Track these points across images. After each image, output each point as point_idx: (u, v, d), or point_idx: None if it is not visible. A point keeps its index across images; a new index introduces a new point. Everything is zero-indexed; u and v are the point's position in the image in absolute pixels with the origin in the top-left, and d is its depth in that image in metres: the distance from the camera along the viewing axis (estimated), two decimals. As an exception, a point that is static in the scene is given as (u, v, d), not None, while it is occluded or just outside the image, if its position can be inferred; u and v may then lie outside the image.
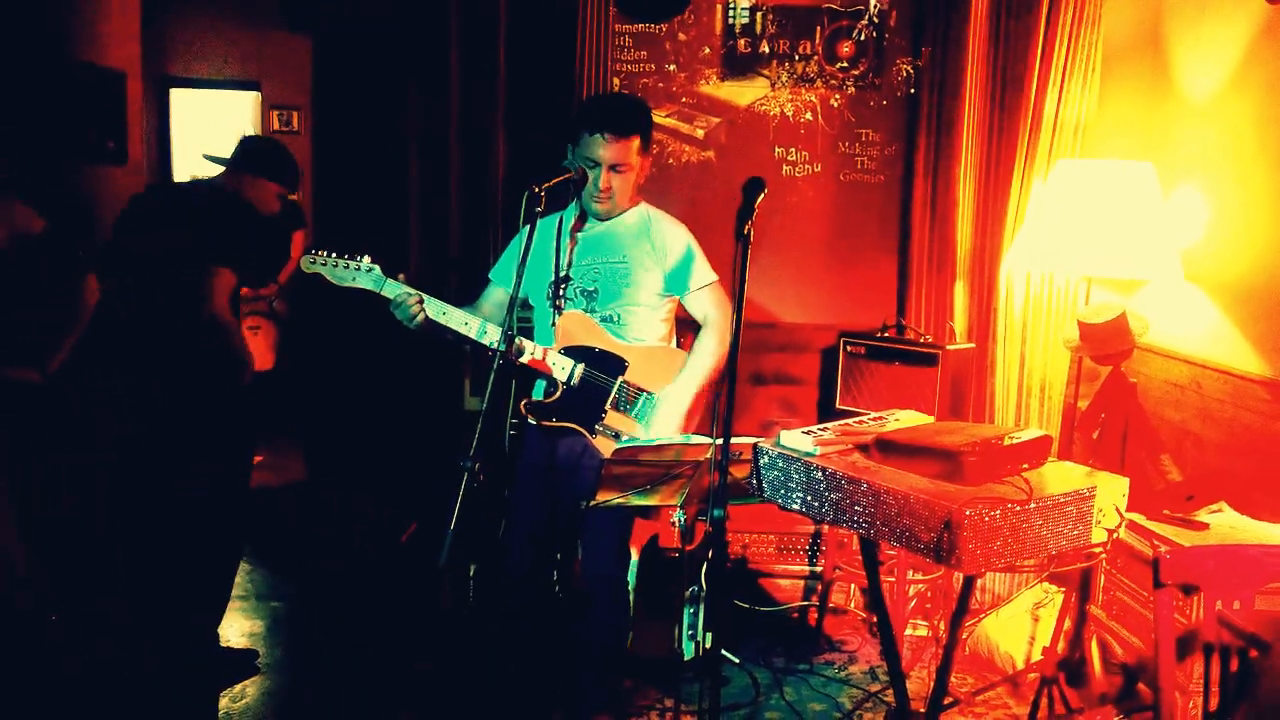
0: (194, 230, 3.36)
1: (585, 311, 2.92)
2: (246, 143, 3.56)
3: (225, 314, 3.46)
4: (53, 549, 3.64)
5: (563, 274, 2.92)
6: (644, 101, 3.21)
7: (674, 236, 2.96)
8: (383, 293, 2.82)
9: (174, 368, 3.37)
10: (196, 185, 3.61)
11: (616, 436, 2.87)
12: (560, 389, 2.90)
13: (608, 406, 2.89)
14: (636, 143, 2.85)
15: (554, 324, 2.90)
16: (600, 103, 2.87)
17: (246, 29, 8.24)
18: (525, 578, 3.11)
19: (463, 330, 2.85)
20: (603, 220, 2.95)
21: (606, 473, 2.52)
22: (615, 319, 2.93)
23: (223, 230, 3.39)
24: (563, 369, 2.88)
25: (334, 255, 2.83)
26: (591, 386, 2.88)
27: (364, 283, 2.83)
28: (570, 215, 2.96)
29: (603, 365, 2.89)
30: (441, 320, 2.83)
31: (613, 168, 2.83)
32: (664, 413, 2.86)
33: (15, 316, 3.53)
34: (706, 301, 2.95)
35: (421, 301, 2.81)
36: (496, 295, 3.04)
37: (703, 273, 2.96)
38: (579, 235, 2.95)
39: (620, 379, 2.89)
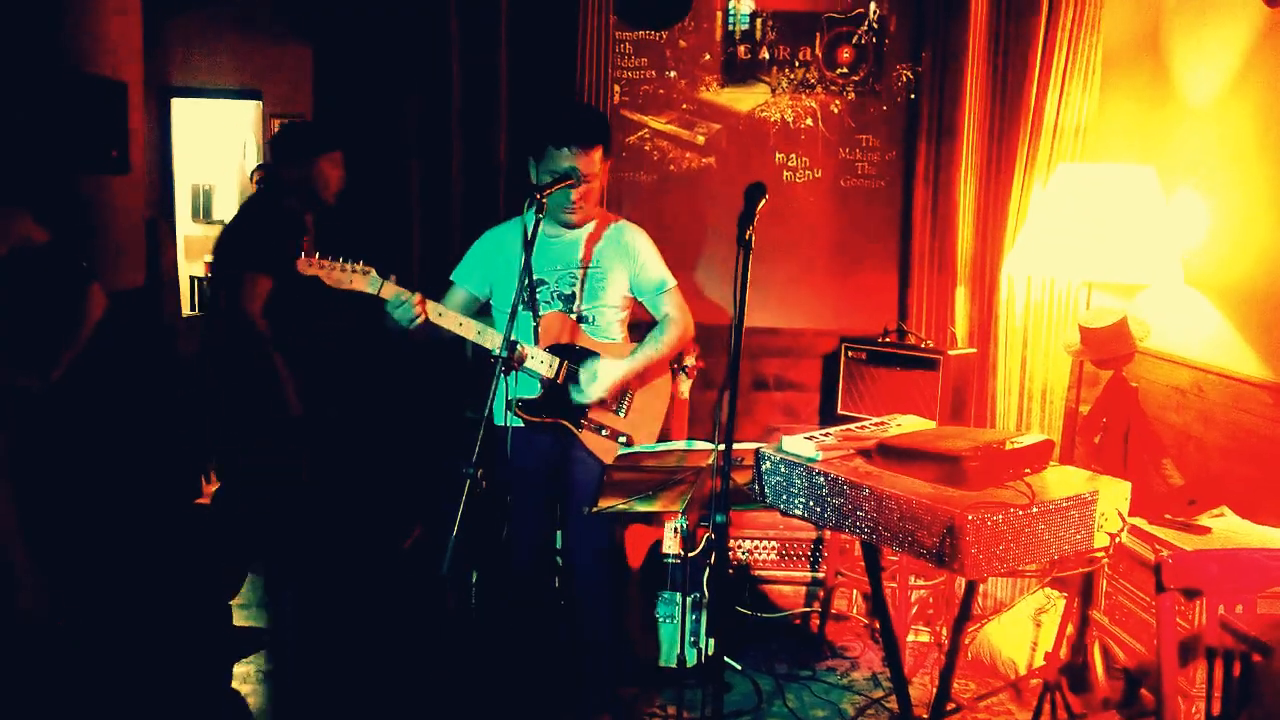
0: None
1: (564, 313, 3.01)
2: None
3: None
4: (58, 547, 3.67)
5: (537, 278, 2.99)
6: (602, 111, 3.26)
7: (642, 243, 3.09)
8: (380, 294, 2.83)
9: None
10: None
11: (599, 429, 3.00)
12: (546, 386, 2.98)
13: (585, 408, 3.01)
14: (600, 152, 2.92)
15: (536, 325, 2.98)
16: (564, 117, 2.94)
17: (247, 38, 8.26)
18: (527, 581, 3.17)
19: (457, 330, 2.90)
20: (571, 229, 3.02)
21: (609, 479, 2.53)
22: (590, 320, 3.04)
23: None
24: (550, 367, 2.97)
25: (330, 259, 2.84)
26: (569, 387, 2.98)
27: (360, 285, 2.84)
28: (534, 221, 2.98)
29: (584, 362, 2.99)
30: (438, 321, 2.87)
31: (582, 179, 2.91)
32: (602, 377, 2.95)
33: (18, 325, 3.55)
34: (669, 303, 3.11)
35: (424, 302, 2.84)
36: (459, 296, 3.08)
37: (667, 276, 3.11)
38: (552, 241, 3.03)
39: None
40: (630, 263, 3.05)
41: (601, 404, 3.00)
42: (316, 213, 3.79)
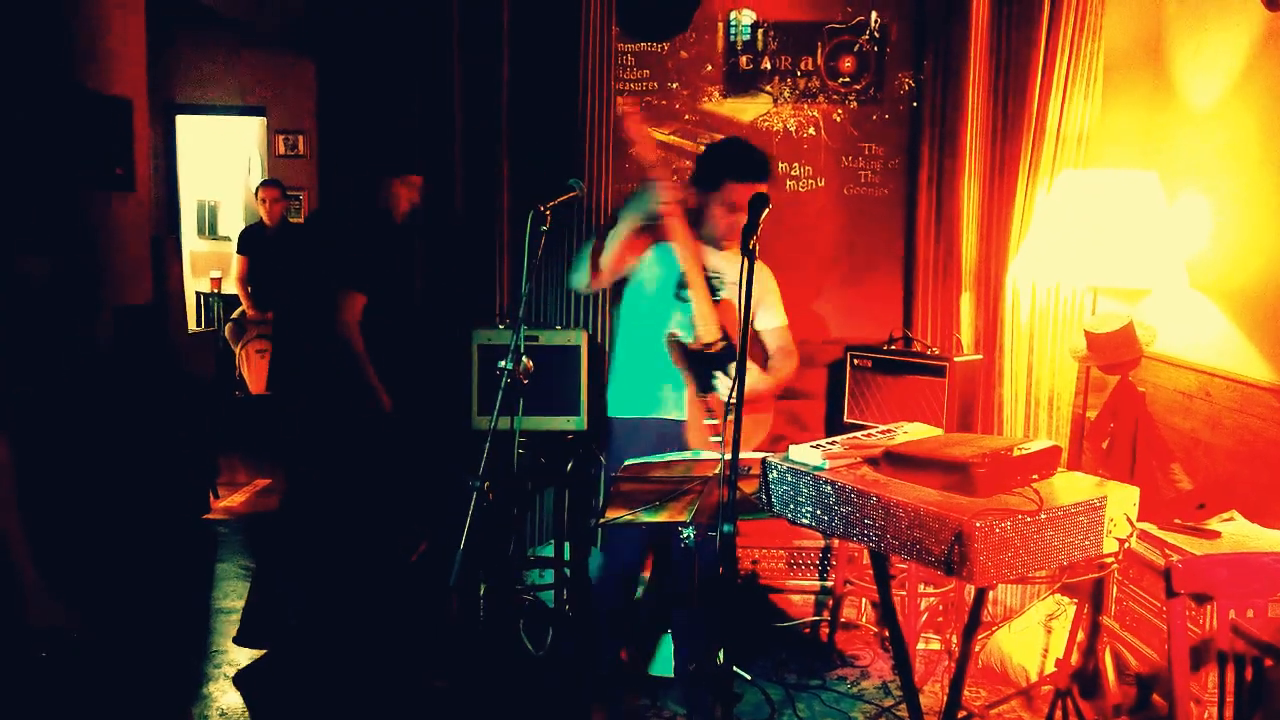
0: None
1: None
2: None
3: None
4: (67, 560, 3.67)
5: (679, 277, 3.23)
6: (765, 151, 3.45)
7: (769, 281, 3.41)
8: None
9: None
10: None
11: (710, 411, 3.19)
12: (699, 347, 3.19)
13: (715, 385, 3.21)
14: (768, 185, 3.16)
15: (717, 304, 3.22)
16: (745, 155, 3.24)
17: (251, 55, 8.32)
18: (625, 578, 3.38)
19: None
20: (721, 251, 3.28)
21: (615, 490, 2.53)
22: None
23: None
24: (712, 334, 3.18)
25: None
26: (716, 360, 3.19)
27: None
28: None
29: (729, 356, 3.20)
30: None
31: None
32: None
33: (18, 338, 3.57)
34: (783, 337, 3.44)
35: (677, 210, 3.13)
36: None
37: (783, 315, 3.46)
38: (707, 250, 3.26)
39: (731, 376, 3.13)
40: (759, 293, 3.29)
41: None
42: (392, 231, 3.89)
